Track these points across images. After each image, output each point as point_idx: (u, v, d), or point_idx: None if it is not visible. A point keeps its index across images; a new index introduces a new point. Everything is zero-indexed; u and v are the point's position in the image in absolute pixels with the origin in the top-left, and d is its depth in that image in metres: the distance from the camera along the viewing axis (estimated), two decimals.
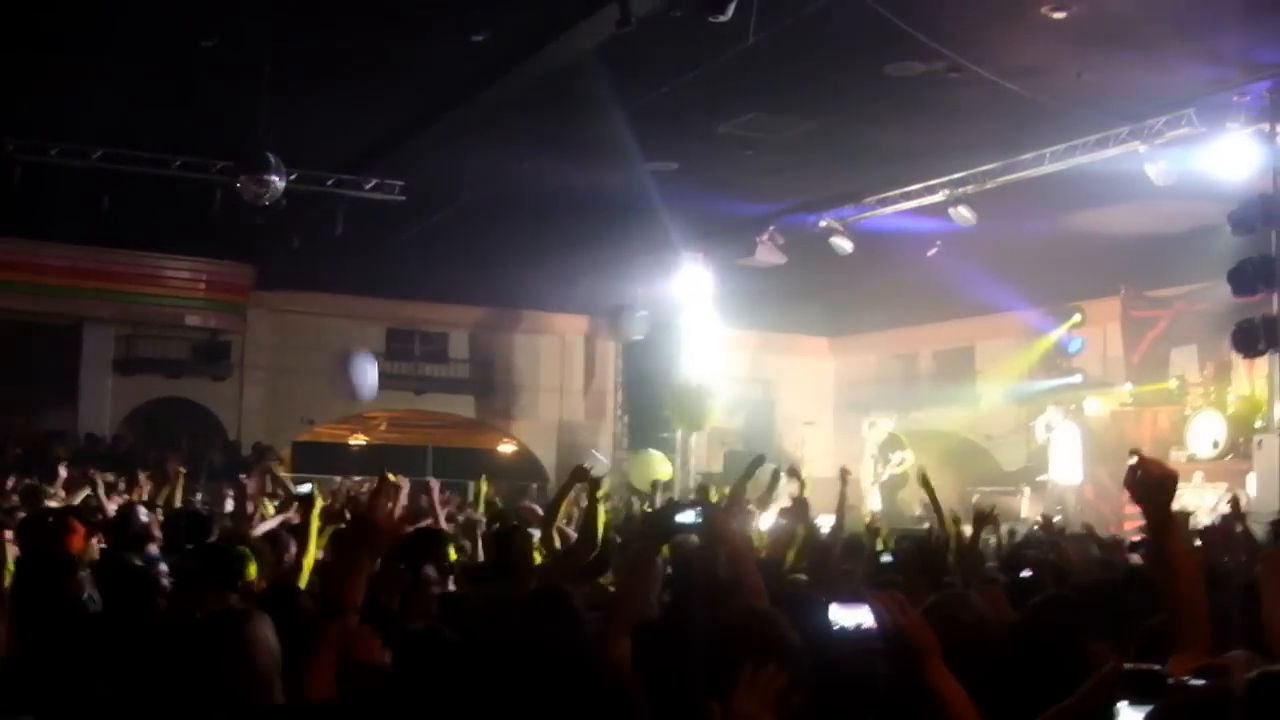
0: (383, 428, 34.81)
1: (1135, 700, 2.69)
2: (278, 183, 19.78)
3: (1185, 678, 2.83)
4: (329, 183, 23.01)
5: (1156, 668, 2.80)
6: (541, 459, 33.42)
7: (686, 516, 5.81)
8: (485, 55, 17.07)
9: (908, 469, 25.38)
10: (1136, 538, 14.08)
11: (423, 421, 34.58)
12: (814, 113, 19.20)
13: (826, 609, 4.71)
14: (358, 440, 33.72)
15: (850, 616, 4.35)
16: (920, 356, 34.61)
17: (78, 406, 29.82)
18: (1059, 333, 27.83)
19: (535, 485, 29.79)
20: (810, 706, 3.91)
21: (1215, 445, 22.07)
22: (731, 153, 20.89)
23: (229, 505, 14.86)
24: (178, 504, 13.54)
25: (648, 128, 18.85)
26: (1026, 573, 8.57)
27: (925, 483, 12.18)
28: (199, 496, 20.80)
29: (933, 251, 24.18)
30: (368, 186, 23.13)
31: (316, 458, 29.51)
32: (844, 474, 12.17)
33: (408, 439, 34.12)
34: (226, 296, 30.99)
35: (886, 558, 9.69)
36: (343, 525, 8.38)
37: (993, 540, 13.11)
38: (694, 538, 7.22)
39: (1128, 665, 2.83)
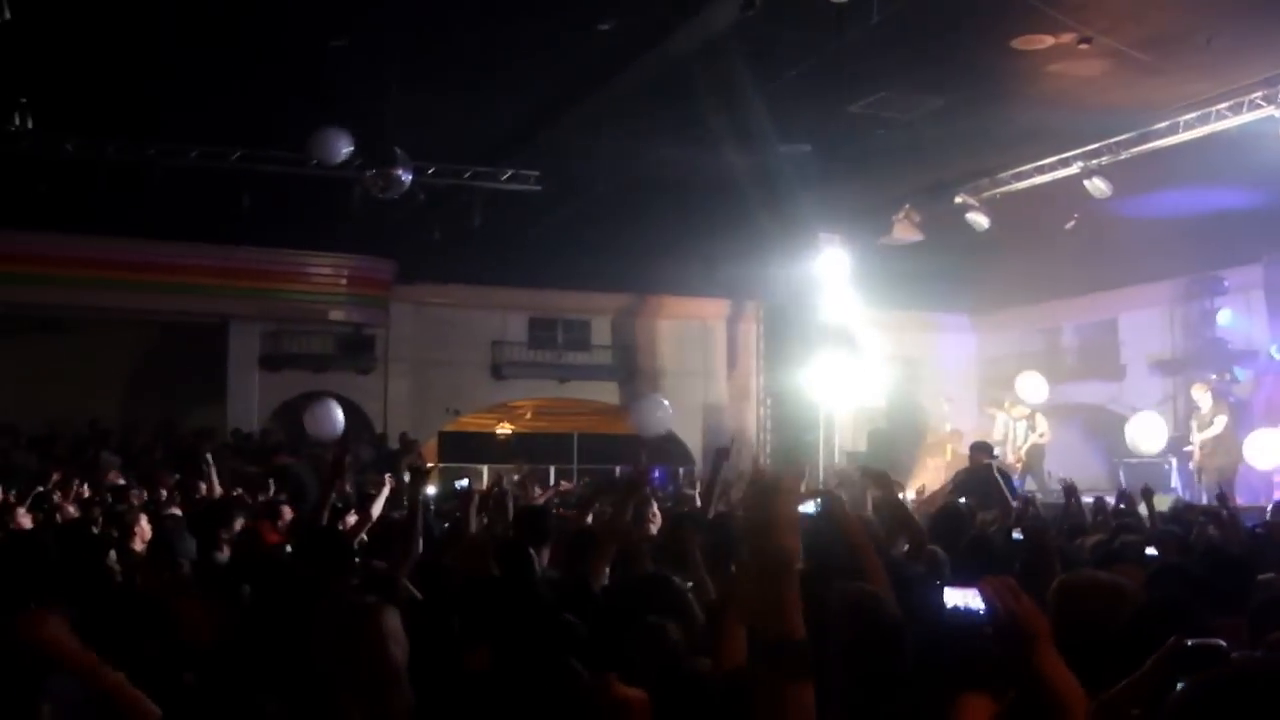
0: (528, 416, 34.98)
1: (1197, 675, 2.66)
2: (404, 177, 20.04)
3: (1250, 653, 2.81)
4: (465, 175, 23.31)
5: (1218, 643, 2.78)
6: (688, 443, 33.34)
7: (806, 507, 5.84)
8: (613, 43, 17.17)
9: (1043, 439, 25.46)
10: None
11: (567, 409, 34.71)
12: (943, 90, 19.05)
13: (941, 591, 4.72)
14: (504, 429, 33.88)
15: (964, 598, 4.35)
16: (1063, 330, 34.12)
17: (226, 403, 30.31)
18: (1204, 307, 27.24)
19: (683, 470, 29.85)
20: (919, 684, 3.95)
21: None
22: (863, 132, 20.75)
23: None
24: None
25: (778, 110, 18.76)
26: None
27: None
28: None
29: (1070, 225, 23.91)
30: (503, 178, 23.38)
31: (462, 447, 29.77)
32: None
33: (553, 426, 34.14)
34: (369, 291, 31.35)
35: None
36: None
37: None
38: None
39: (1190, 641, 2.81)
